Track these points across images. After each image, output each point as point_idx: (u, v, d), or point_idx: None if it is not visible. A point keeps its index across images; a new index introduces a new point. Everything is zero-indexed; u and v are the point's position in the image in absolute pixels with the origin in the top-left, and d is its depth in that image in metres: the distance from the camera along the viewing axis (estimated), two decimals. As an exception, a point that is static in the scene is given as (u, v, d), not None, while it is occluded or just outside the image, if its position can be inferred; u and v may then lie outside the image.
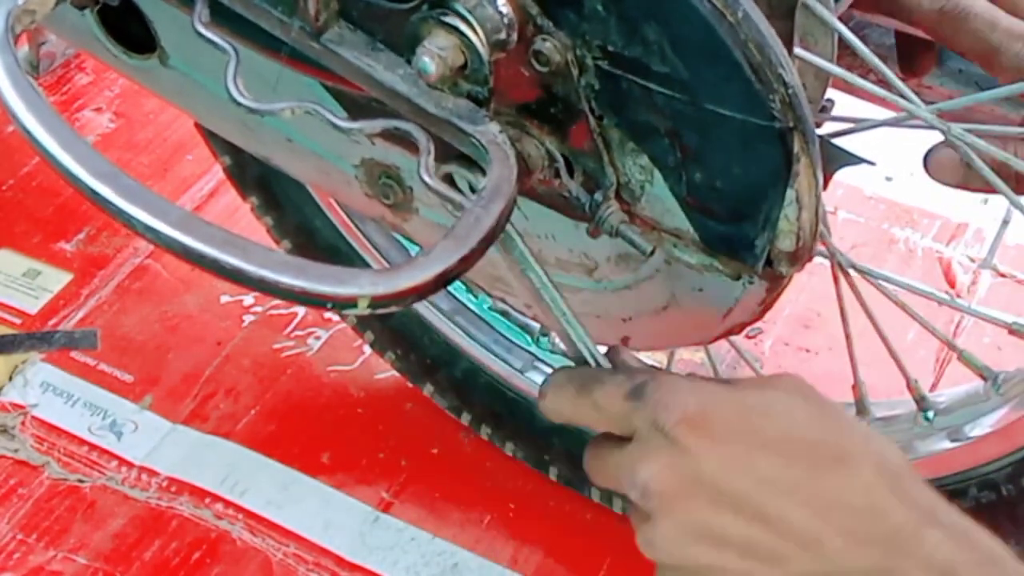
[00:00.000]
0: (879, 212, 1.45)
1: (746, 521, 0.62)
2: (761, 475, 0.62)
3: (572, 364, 0.73)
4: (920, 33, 0.76)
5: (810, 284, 1.30)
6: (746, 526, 0.62)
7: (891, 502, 0.62)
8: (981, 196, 1.43)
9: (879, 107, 0.76)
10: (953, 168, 0.74)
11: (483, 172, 0.66)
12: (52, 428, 1.23)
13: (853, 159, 0.76)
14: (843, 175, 0.78)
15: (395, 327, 1.18)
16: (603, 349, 0.73)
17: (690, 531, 0.63)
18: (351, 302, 0.59)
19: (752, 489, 0.62)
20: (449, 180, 0.76)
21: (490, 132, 0.68)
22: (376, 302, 0.59)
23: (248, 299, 1.34)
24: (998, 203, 1.40)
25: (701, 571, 0.64)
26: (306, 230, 1.14)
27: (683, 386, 0.65)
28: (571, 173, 0.72)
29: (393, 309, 0.61)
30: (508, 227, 0.67)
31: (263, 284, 0.59)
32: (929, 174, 0.75)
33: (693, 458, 0.62)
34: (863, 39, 0.72)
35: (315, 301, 0.59)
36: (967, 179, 0.74)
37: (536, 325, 1.13)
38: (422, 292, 0.60)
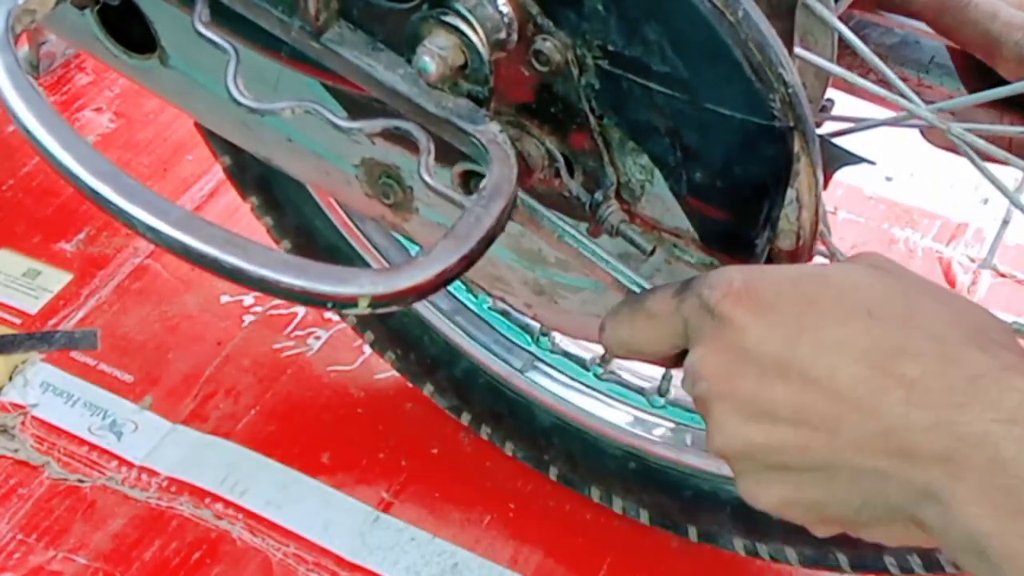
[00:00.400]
0: (879, 212, 1.45)
1: (796, 387, 0.57)
2: (809, 336, 0.57)
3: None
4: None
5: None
6: (795, 393, 0.57)
7: (966, 351, 0.56)
8: (981, 196, 1.44)
9: (879, 107, 0.76)
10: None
11: None
12: (52, 428, 1.23)
13: (853, 159, 0.76)
14: (843, 175, 0.78)
15: (395, 327, 1.18)
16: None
17: (741, 410, 0.59)
18: (351, 302, 0.59)
19: (799, 352, 0.57)
20: (465, 178, 0.76)
21: (490, 132, 0.68)
22: (376, 302, 0.59)
23: (248, 299, 1.34)
24: (998, 203, 1.40)
25: (760, 454, 0.59)
26: (306, 230, 1.14)
27: (729, 268, 0.61)
28: (571, 172, 0.72)
29: (393, 309, 0.61)
30: (529, 200, 0.68)
31: (263, 284, 0.59)
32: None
33: (738, 331, 0.59)
34: (863, 38, 0.72)
35: (315, 301, 0.59)
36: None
37: (536, 325, 1.13)
38: (422, 292, 0.60)
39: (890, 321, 0.57)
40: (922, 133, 0.76)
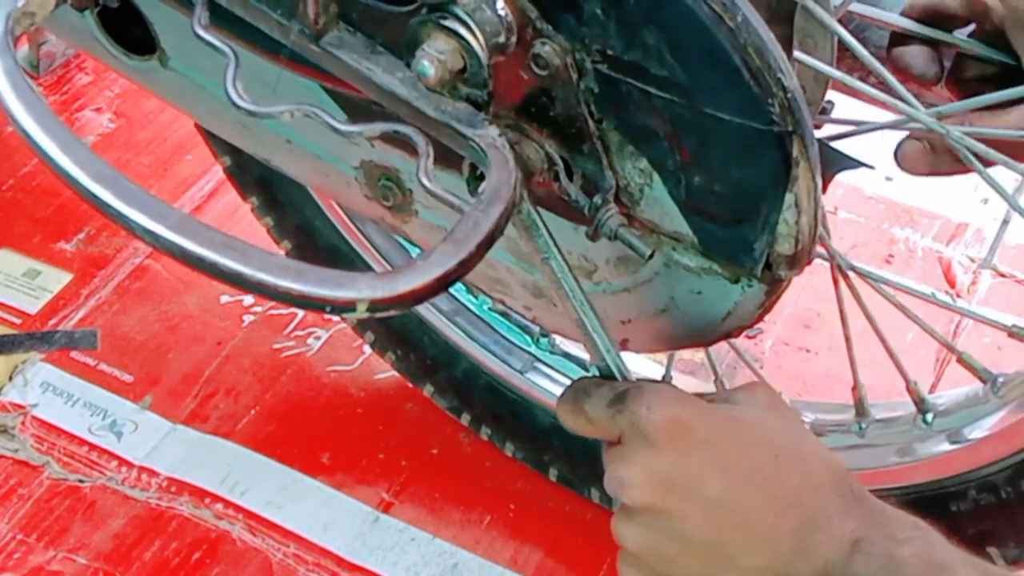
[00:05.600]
0: (879, 212, 1.45)
1: (713, 522, 0.67)
2: (732, 481, 0.67)
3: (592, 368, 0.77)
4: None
5: (810, 284, 1.30)
6: (712, 528, 0.67)
7: (835, 502, 0.67)
8: (981, 196, 1.44)
9: (879, 110, 0.76)
10: (919, 157, 0.77)
11: None
12: (52, 428, 1.23)
13: (852, 162, 0.76)
14: (843, 175, 0.78)
15: (395, 328, 1.18)
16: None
17: (659, 525, 0.68)
18: (350, 306, 0.59)
19: (722, 494, 0.67)
20: (474, 170, 0.76)
21: (489, 135, 0.68)
22: (375, 306, 0.59)
23: (248, 299, 1.34)
24: (998, 203, 1.40)
25: (661, 563, 0.69)
26: (306, 231, 1.14)
27: (665, 393, 0.69)
28: (570, 176, 0.72)
29: (392, 313, 0.61)
30: (534, 214, 0.70)
31: (262, 288, 0.59)
32: (900, 167, 0.78)
33: (671, 460, 0.67)
34: (863, 42, 0.72)
35: (314, 305, 0.59)
36: (935, 165, 0.77)
37: (536, 326, 1.13)
38: (421, 296, 0.60)
39: (790, 468, 0.68)
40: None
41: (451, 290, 1.13)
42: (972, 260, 1.40)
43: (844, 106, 0.82)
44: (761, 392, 0.72)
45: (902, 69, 0.78)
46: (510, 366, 1.14)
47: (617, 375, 0.74)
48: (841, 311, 0.87)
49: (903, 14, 0.80)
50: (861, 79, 0.74)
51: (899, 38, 0.79)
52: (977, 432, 0.88)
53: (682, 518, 0.67)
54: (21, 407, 1.25)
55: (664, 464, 0.67)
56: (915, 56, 0.78)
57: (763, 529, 0.66)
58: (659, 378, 1.09)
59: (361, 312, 0.59)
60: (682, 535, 0.67)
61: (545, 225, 0.70)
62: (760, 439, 0.68)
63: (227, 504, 1.18)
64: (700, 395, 0.72)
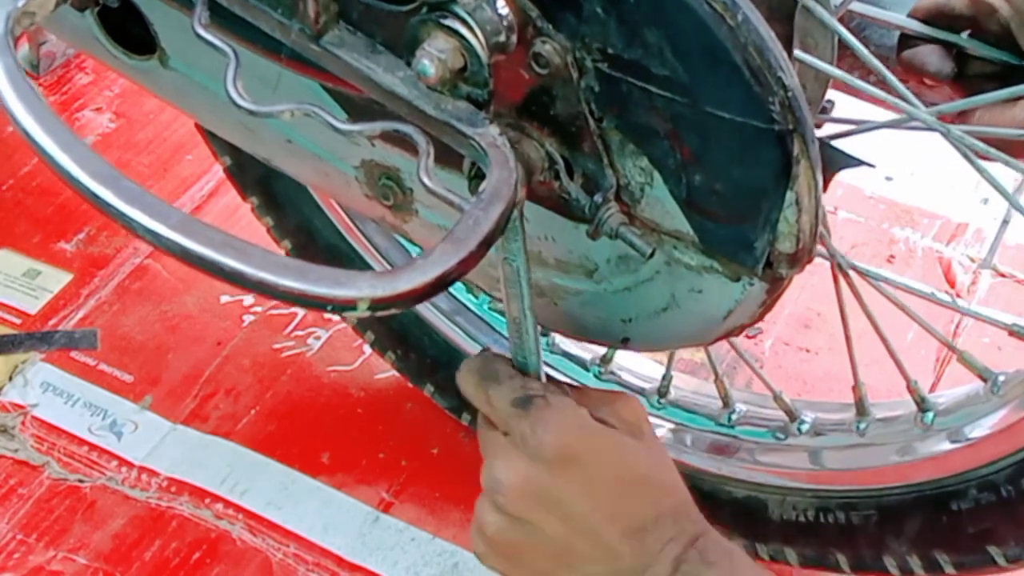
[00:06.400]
0: (879, 212, 1.45)
1: (571, 533, 0.73)
2: (599, 504, 0.73)
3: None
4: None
5: (810, 284, 1.30)
6: (570, 536, 0.73)
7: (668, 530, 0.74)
8: (981, 196, 1.44)
9: (879, 108, 0.76)
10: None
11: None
12: (52, 428, 1.23)
13: (853, 161, 0.76)
14: (843, 175, 0.78)
15: (395, 327, 1.18)
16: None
17: (521, 524, 0.73)
18: (350, 305, 0.59)
19: (587, 513, 0.73)
20: (473, 167, 0.76)
21: (490, 134, 0.68)
22: (375, 305, 0.59)
23: (248, 299, 1.34)
24: (998, 203, 1.40)
25: (511, 551, 0.75)
26: (306, 230, 1.14)
27: (565, 413, 0.73)
28: (571, 175, 0.72)
29: (393, 312, 0.61)
30: (519, 222, 0.70)
31: (263, 287, 0.59)
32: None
33: (548, 478, 0.72)
34: (863, 41, 0.72)
35: (315, 304, 0.59)
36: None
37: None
38: (421, 295, 0.60)
39: (646, 495, 0.74)
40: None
41: (451, 289, 1.13)
42: (972, 260, 1.40)
43: (844, 105, 0.82)
44: (628, 411, 0.77)
45: (916, 69, 0.78)
46: (510, 366, 1.13)
47: (533, 374, 0.78)
48: (841, 310, 0.87)
49: (908, 15, 0.80)
50: (861, 78, 0.74)
51: (907, 41, 0.79)
52: (978, 431, 0.88)
53: (542, 526, 0.73)
54: (21, 407, 1.25)
55: (542, 480, 0.72)
56: (928, 55, 0.78)
57: (608, 544, 0.73)
58: (658, 379, 1.09)
59: (362, 311, 0.59)
60: (537, 539, 0.73)
61: (523, 230, 0.71)
62: (625, 465, 0.74)
63: (227, 504, 1.18)
64: (579, 391, 0.78)
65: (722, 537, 0.75)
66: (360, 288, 0.59)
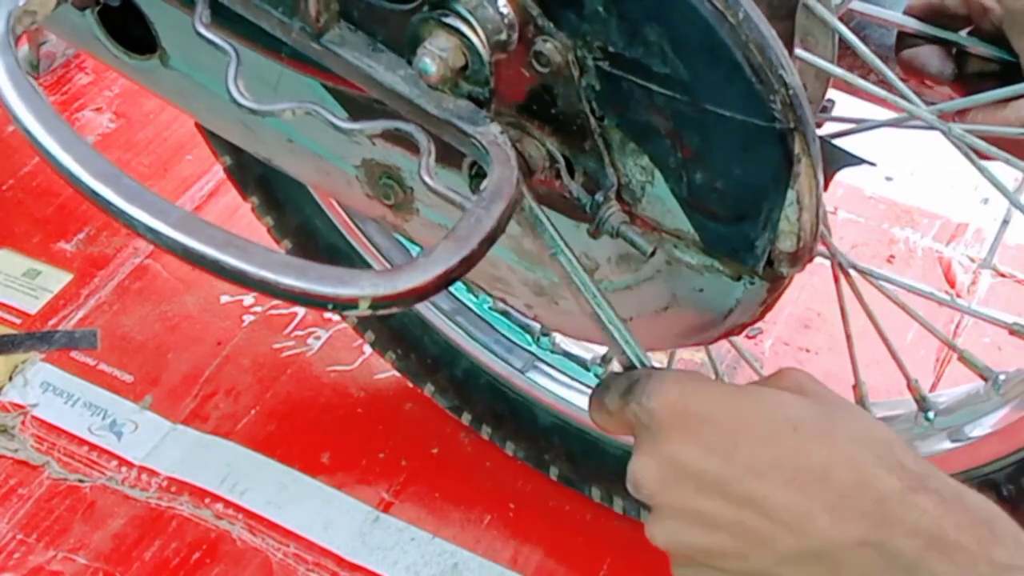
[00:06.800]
0: (879, 212, 1.45)
1: (733, 505, 0.63)
2: (743, 456, 0.63)
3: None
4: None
5: (810, 284, 1.30)
6: (734, 510, 0.63)
7: (877, 473, 0.61)
8: (981, 196, 1.44)
9: (880, 107, 0.76)
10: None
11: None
12: (52, 428, 1.23)
13: (854, 160, 0.76)
14: (843, 175, 0.78)
15: (396, 327, 1.18)
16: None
17: (682, 518, 0.65)
18: (352, 303, 0.59)
19: (735, 472, 0.63)
20: (473, 167, 0.76)
21: (491, 133, 0.68)
22: (377, 303, 0.59)
23: (248, 299, 1.34)
24: (998, 203, 1.40)
25: (700, 556, 0.65)
26: (307, 230, 1.14)
27: (668, 377, 0.66)
28: (572, 174, 0.72)
29: (394, 310, 0.61)
30: (537, 210, 0.69)
31: (264, 285, 0.59)
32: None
33: (674, 446, 0.64)
34: (864, 39, 0.72)
35: (316, 302, 0.59)
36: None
37: (536, 325, 1.13)
38: (423, 293, 0.60)
39: (813, 440, 0.63)
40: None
41: (451, 289, 1.13)
42: (972, 260, 1.40)
43: (845, 104, 0.82)
44: (789, 375, 0.67)
45: (916, 70, 0.78)
46: (511, 365, 1.14)
47: (637, 364, 0.71)
48: (842, 309, 0.86)
49: (903, 12, 0.80)
50: (862, 77, 0.74)
51: (906, 39, 0.79)
52: (978, 430, 0.88)
53: (699, 504, 0.63)
54: (21, 407, 1.25)
55: (669, 451, 0.64)
56: (928, 56, 0.78)
57: (788, 506, 0.62)
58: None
59: (363, 309, 0.59)
60: (705, 522, 0.64)
61: (550, 220, 0.70)
62: (773, 413, 0.63)
63: (227, 504, 1.18)
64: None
65: (982, 498, 0.63)
66: (362, 287, 0.59)
